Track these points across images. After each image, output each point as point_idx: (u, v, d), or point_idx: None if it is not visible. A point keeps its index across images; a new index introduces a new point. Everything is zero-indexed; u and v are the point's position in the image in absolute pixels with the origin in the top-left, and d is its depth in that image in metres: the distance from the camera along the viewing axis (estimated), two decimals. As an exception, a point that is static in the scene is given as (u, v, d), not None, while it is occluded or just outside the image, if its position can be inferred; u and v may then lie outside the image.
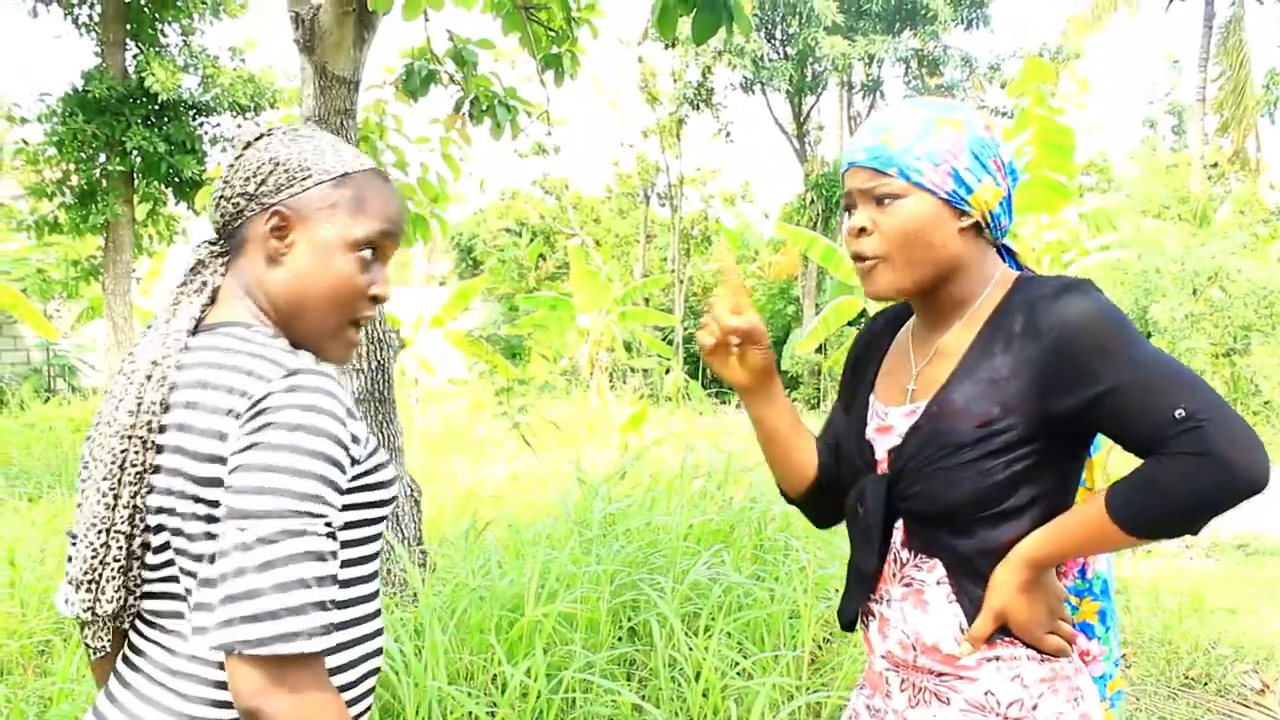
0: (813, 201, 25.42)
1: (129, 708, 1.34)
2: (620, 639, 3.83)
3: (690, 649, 3.62)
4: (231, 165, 1.46)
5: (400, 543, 4.56)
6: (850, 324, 16.30)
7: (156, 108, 11.18)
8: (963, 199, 1.59)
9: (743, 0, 4.00)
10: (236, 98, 11.59)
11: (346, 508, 1.34)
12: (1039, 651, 1.55)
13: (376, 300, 1.48)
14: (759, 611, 3.84)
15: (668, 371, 19.42)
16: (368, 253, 1.45)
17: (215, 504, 1.25)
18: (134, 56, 11.39)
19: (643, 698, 3.38)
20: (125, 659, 1.40)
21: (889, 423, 1.69)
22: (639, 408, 9.92)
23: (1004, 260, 1.73)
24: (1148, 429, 1.39)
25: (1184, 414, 1.35)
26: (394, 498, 1.46)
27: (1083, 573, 1.74)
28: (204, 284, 1.44)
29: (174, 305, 1.41)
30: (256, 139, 1.47)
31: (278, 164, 1.43)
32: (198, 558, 1.28)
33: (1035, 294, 1.54)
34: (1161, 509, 1.39)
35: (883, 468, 1.68)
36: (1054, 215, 9.09)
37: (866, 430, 1.74)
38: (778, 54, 24.94)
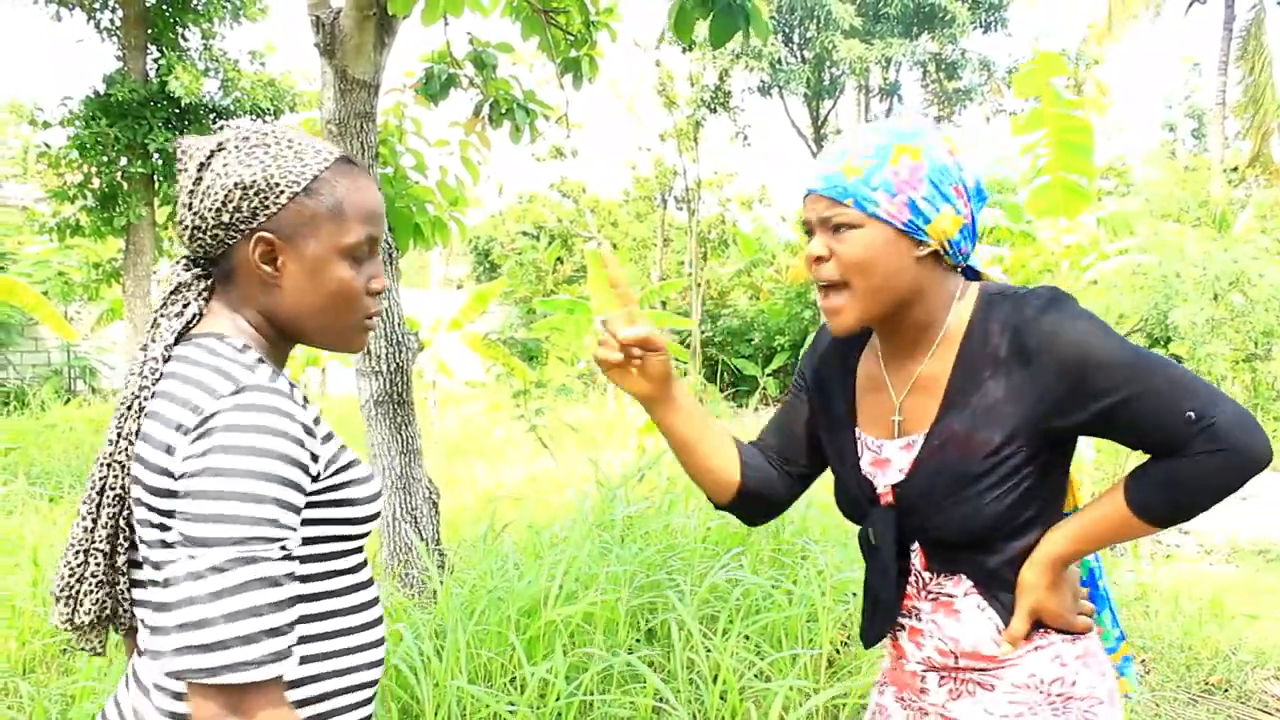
0: (830, 205, 25.29)
1: (133, 699, 1.42)
2: (639, 640, 3.84)
3: (709, 651, 3.63)
4: (191, 190, 1.41)
5: (420, 543, 4.58)
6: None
7: (178, 111, 11.24)
8: (919, 229, 1.58)
9: (760, 4, 4.01)
10: (257, 101, 11.66)
11: (310, 523, 1.34)
12: (1070, 633, 1.63)
13: (376, 293, 1.49)
14: (777, 614, 3.84)
15: (684, 375, 19.41)
16: (359, 252, 1.45)
17: (168, 514, 1.28)
18: (155, 60, 11.46)
19: (661, 700, 3.39)
20: (137, 649, 1.46)
21: (884, 456, 1.70)
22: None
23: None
24: (1162, 434, 1.46)
25: (1194, 415, 1.43)
26: (374, 514, 1.45)
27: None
28: (185, 306, 1.43)
29: (153, 329, 1.43)
30: (209, 158, 1.41)
31: (245, 187, 1.38)
32: (157, 566, 1.32)
33: (1015, 315, 1.56)
34: (1185, 501, 1.48)
35: (886, 499, 1.69)
36: (1072, 219, 9.03)
37: (861, 464, 1.74)
38: (795, 57, 24.91)
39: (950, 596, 1.65)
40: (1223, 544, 8.00)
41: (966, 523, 1.57)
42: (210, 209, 1.39)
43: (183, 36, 11.74)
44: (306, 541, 1.35)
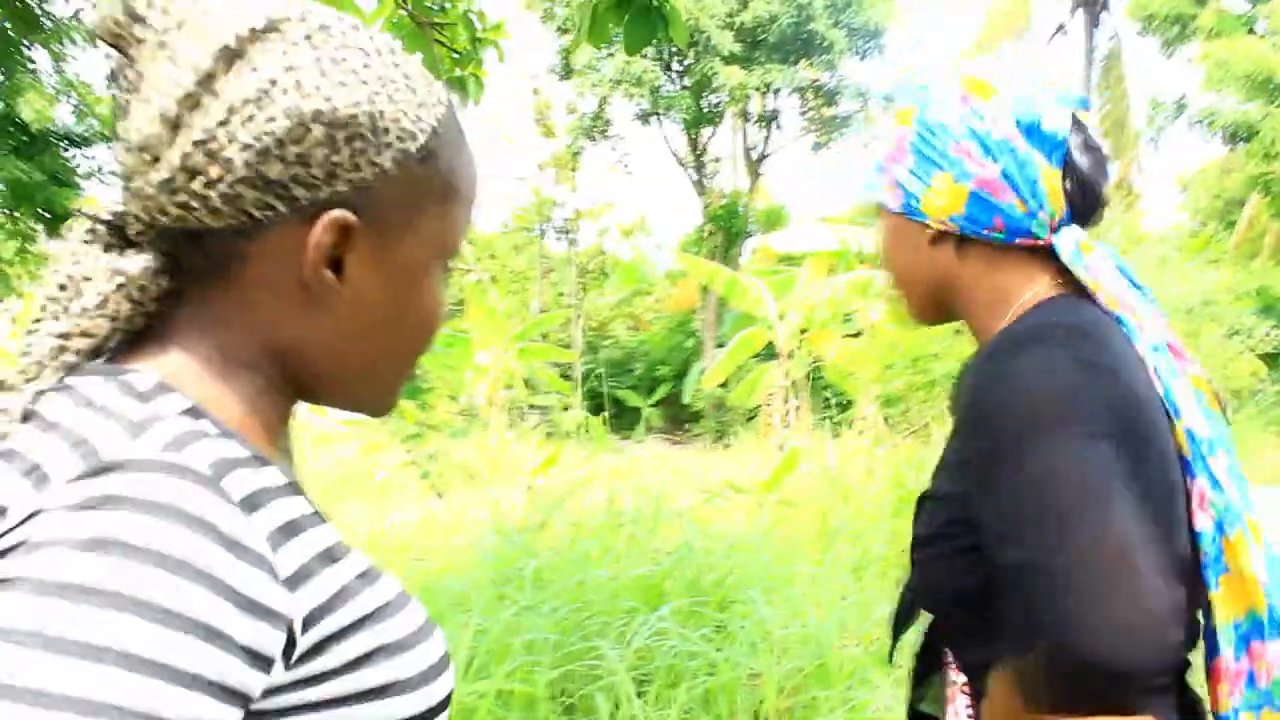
0: (711, 233, 25.38)
1: None
2: (562, 718, 3.42)
3: (642, 725, 3.24)
4: (196, 103, 0.73)
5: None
6: (755, 357, 16.10)
7: (27, 139, 10.52)
8: (915, 209, 1.28)
9: (678, 7, 3.69)
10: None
11: None
12: None
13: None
14: (715, 678, 3.46)
15: (567, 409, 19.11)
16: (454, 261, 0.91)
17: None
18: (-1, 83, 10.73)
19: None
20: None
21: None
22: (550, 450, 9.56)
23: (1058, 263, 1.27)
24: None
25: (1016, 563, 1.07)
26: (442, 702, 0.79)
27: (1252, 682, 1.29)
28: (104, 316, 0.76)
29: (27, 349, 0.78)
30: (246, 43, 0.74)
31: (333, 123, 0.75)
32: None
33: (989, 346, 1.22)
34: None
35: None
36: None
37: None
38: (675, 84, 24.90)
39: (953, 684, 1.27)
40: None
41: (923, 585, 1.26)
42: (250, 146, 0.73)
43: (29, 59, 11.00)
44: None
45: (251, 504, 0.68)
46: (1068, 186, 1.23)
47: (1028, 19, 24.07)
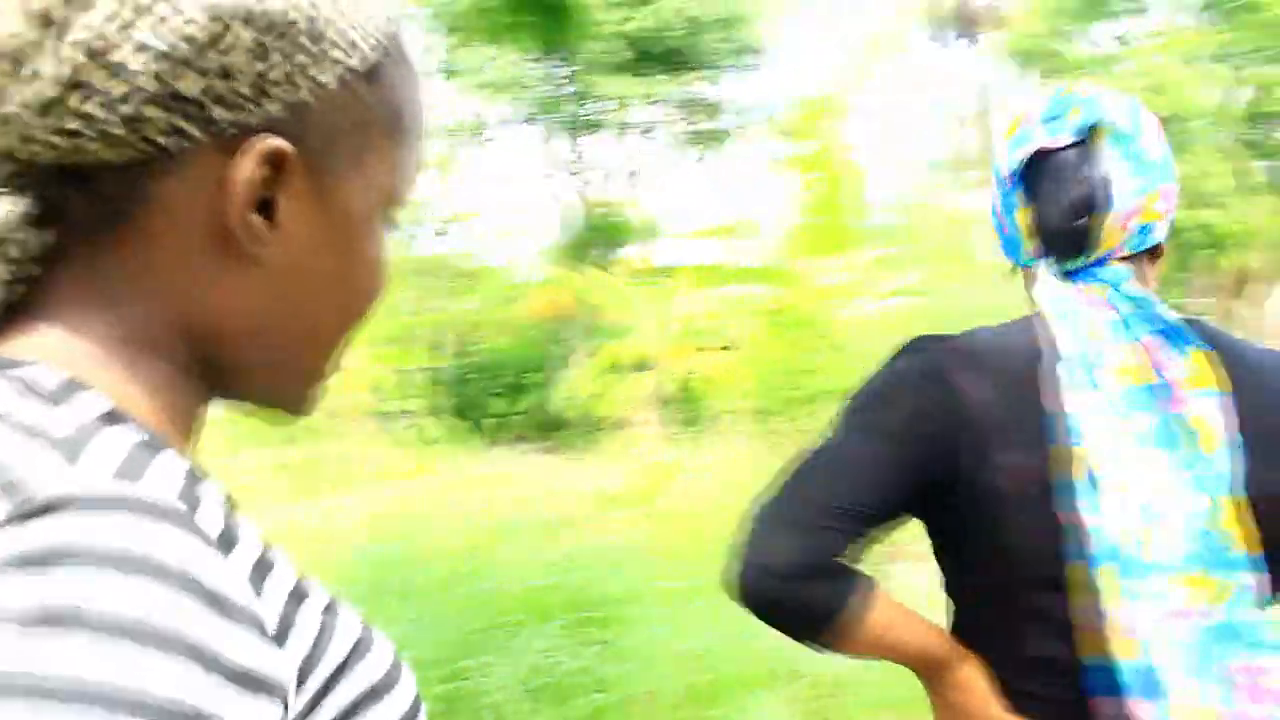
0: (586, 242, 25.35)
1: None
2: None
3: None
4: None
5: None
6: (626, 367, 16.09)
7: None
8: None
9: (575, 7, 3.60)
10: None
11: None
12: None
13: None
14: (604, 695, 3.36)
15: (433, 414, 18.83)
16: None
17: None
18: None
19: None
20: None
21: None
22: (415, 456, 9.37)
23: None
24: None
25: None
26: None
27: None
28: None
29: None
30: None
31: (264, 25, 0.58)
32: None
33: None
34: None
35: None
36: (844, 258, 9.17)
37: None
38: (556, 90, 24.81)
39: None
40: None
41: None
42: (156, 52, 0.56)
43: None
44: None
45: (227, 541, 0.53)
46: (1029, 221, 1.30)
47: (905, 46, 24.72)
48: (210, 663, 0.45)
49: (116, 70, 0.55)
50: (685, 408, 14.11)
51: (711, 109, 24.46)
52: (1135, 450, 1.16)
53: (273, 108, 0.60)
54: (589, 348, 23.72)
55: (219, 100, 0.58)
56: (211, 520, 0.53)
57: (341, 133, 0.64)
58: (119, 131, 0.56)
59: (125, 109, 0.56)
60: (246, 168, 0.59)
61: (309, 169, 0.63)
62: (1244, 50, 14.63)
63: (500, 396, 25.28)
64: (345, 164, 0.65)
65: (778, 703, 3.33)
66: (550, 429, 24.69)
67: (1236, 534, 1.12)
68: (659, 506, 7.34)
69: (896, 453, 1.25)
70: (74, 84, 0.55)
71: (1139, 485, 1.14)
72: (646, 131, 26.26)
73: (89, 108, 0.55)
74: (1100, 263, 1.26)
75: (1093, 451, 1.14)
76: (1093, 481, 1.14)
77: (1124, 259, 1.27)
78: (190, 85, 0.57)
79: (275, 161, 0.60)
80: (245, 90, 0.58)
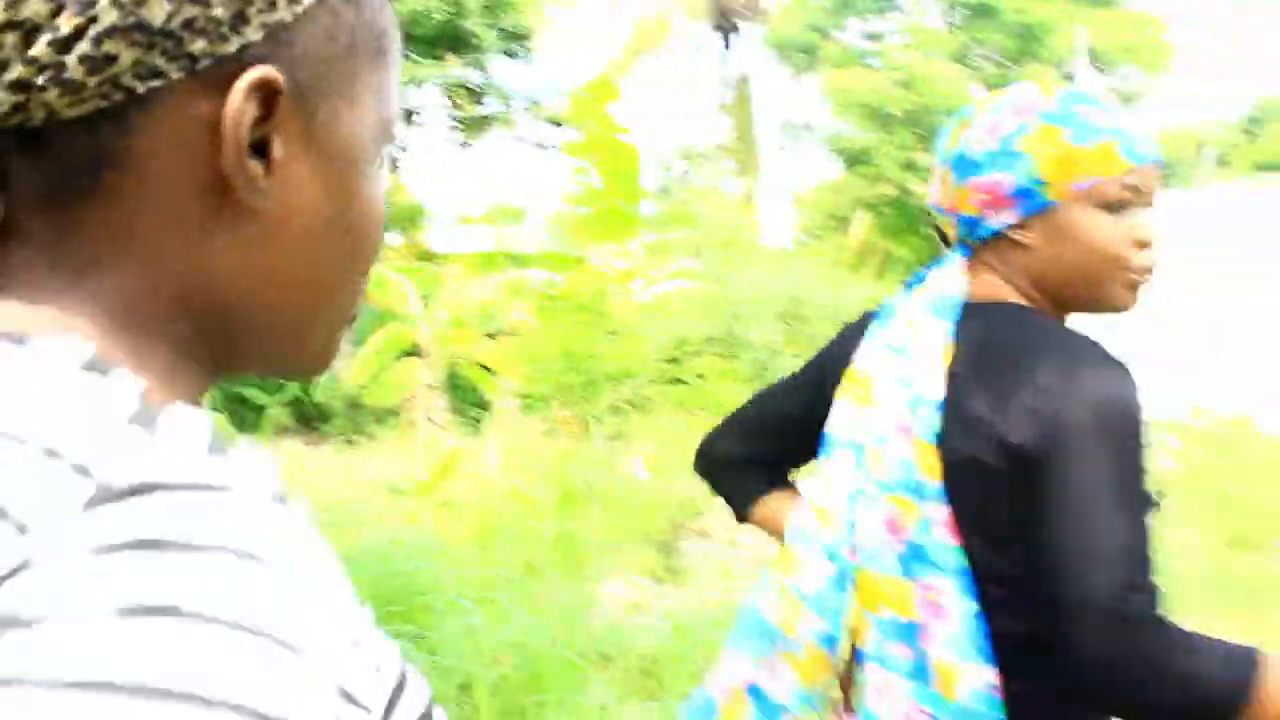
0: (349, 227, 24.67)
1: None
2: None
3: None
4: None
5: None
6: (398, 355, 15.70)
7: None
8: None
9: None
10: None
11: None
12: None
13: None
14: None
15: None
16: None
17: None
18: None
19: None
20: None
21: None
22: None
23: None
24: None
25: None
26: None
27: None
28: None
29: None
30: None
31: None
32: None
33: None
34: None
35: None
36: (621, 243, 9.22)
37: None
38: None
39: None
40: None
41: None
42: None
43: None
44: None
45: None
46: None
47: (668, 36, 25.18)
48: (322, 664, 0.41)
49: (73, 2, 0.45)
50: (464, 395, 13.90)
51: (479, 94, 24.18)
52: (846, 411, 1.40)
53: (253, 34, 0.50)
54: (356, 335, 23.03)
55: (194, 29, 0.48)
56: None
57: (327, 60, 0.55)
58: (81, 78, 0.46)
59: (86, 48, 0.46)
60: (239, 105, 0.50)
61: (299, 104, 0.54)
62: (984, 50, 15.67)
63: (258, 386, 24.21)
64: (336, 96, 0.56)
65: (599, 685, 3.33)
66: (313, 419, 23.87)
67: (930, 469, 1.25)
68: (445, 495, 7.20)
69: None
70: (23, 25, 0.45)
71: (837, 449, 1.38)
72: (412, 116, 25.73)
73: (36, 50, 0.45)
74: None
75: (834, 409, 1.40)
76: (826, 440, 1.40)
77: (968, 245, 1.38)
78: (157, 11, 0.47)
79: (266, 96, 0.51)
80: (221, 15, 0.49)
